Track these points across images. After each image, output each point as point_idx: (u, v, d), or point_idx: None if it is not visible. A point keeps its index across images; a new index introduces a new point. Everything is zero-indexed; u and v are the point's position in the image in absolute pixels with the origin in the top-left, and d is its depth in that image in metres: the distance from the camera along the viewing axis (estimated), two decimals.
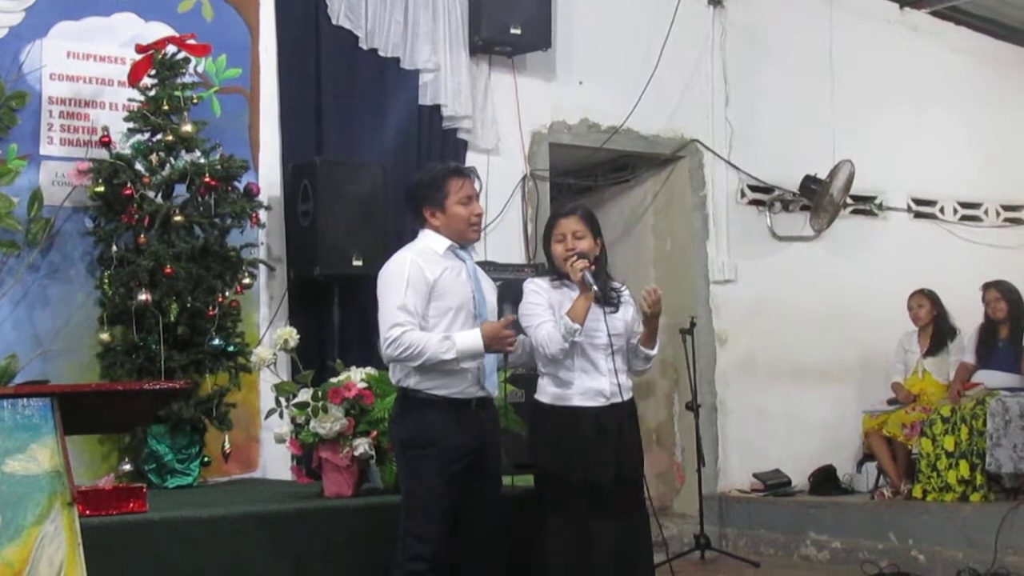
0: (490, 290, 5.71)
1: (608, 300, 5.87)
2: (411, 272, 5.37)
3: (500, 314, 5.71)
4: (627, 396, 5.91)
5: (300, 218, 8.35)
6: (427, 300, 5.39)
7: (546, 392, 5.88)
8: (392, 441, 5.75)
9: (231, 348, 7.65)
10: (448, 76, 9.29)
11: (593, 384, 5.81)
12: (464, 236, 5.59)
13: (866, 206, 11.40)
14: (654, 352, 6.02)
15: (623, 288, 6.07)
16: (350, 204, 8.28)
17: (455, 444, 5.36)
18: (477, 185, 5.66)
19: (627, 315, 5.96)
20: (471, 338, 5.35)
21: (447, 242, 5.54)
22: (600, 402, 5.80)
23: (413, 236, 5.70)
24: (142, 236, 7.47)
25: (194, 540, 5.54)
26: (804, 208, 10.97)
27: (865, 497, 9.80)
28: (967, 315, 9.89)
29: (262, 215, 8.02)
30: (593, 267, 5.77)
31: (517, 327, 5.63)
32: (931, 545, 8.67)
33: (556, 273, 5.95)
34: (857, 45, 11.28)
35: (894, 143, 11.35)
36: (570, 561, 5.72)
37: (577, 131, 10.12)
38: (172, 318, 7.40)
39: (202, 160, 7.65)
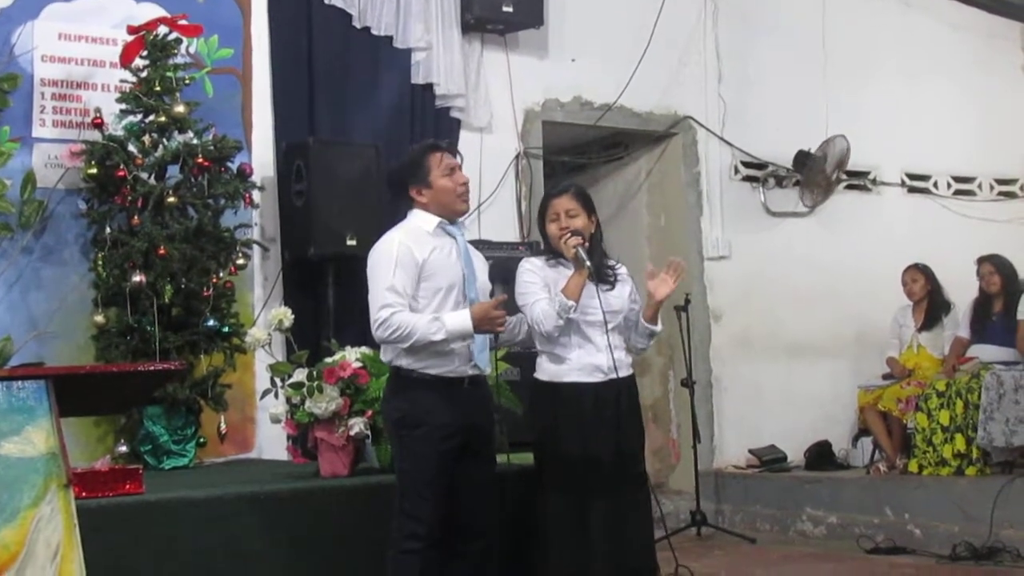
0: (481, 267, 5.69)
1: (603, 277, 5.87)
2: (399, 253, 5.36)
3: (492, 293, 5.70)
4: (625, 372, 5.91)
5: (294, 198, 8.34)
6: (417, 280, 5.38)
7: (544, 369, 5.89)
8: (384, 421, 5.76)
9: (226, 329, 7.65)
10: (441, 55, 9.28)
11: (590, 359, 5.81)
12: (453, 208, 5.57)
13: (860, 181, 11.41)
14: (659, 328, 6.03)
15: (619, 266, 6.06)
16: (343, 184, 8.27)
17: (447, 423, 5.35)
18: (457, 158, 5.66)
19: (623, 292, 5.96)
20: (460, 319, 5.33)
21: (436, 219, 5.51)
22: (598, 377, 5.80)
23: (405, 216, 5.69)
24: (135, 217, 7.46)
25: (190, 521, 5.55)
26: (797, 184, 10.98)
27: (861, 472, 9.83)
28: (961, 289, 9.90)
29: (255, 195, 8.00)
30: (587, 244, 5.77)
31: (509, 306, 5.62)
32: (927, 519, 8.71)
33: (552, 253, 5.95)
34: (850, 20, 11.28)
35: (887, 118, 11.35)
36: (568, 537, 5.73)
37: (570, 109, 10.11)
38: (166, 299, 7.41)
39: (195, 141, 7.64)
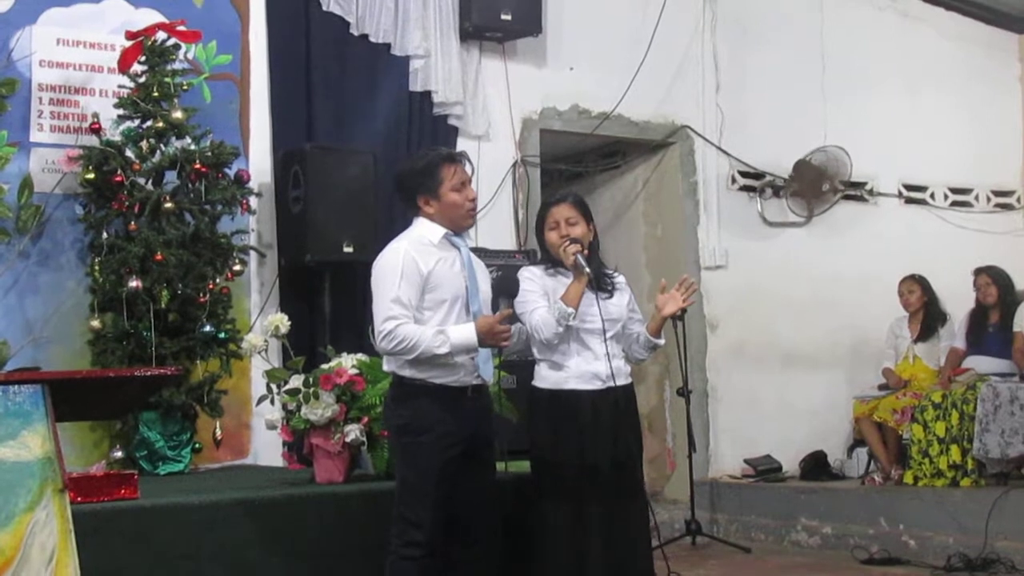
0: (484, 278, 5.68)
1: (601, 285, 5.88)
2: (405, 264, 5.35)
3: (495, 304, 5.69)
4: (624, 380, 5.92)
5: (291, 204, 8.34)
6: (421, 292, 5.37)
7: (542, 377, 5.90)
8: (387, 427, 5.76)
9: (222, 335, 7.65)
10: (439, 62, 9.28)
11: (589, 367, 5.82)
12: (459, 223, 5.57)
13: (857, 192, 11.40)
14: (661, 341, 6.06)
15: (616, 274, 6.08)
16: (341, 191, 8.27)
17: (450, 431, 5.35)
18: (469, 169, 5.64)
19: (622, 301, 5.98)
20: (465, 333, 5.33)
21: (442, 230, 5.50)
22: (596, 385, 5.81)
23: (404, 222, 5.68)
24: (132, 223, 7.46)
25: (185, 526, 5.55)
26: (794, 194, 10.98)
27: (856, 483, 9.82)
28: (958, 300, 9.91)
29: (252, 202, 8.01)
30: (586, 252, 5.78)
31: (513, 319, 5.63)
32: (922, 530, 8.70)
33: (550, 261, 5.96)
34: (848, 31, 11.29)
35: (885, 129, 11.35)
36: (566, 545, 5.74)
37: (568, 117, 10.12)
38: (163, 305, 7.40)
39: (192, 147, 7.64)
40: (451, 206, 5.51)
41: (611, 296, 5.93)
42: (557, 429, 5.81)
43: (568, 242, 5.80)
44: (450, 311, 5.42)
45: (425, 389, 5.38)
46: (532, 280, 5.89)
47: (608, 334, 5.82)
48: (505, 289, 5.91)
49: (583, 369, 5.82)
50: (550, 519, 5.78)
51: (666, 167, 10.83)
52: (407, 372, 5.41)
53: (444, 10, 9.32)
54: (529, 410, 6.00)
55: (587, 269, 5.71)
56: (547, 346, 5.82)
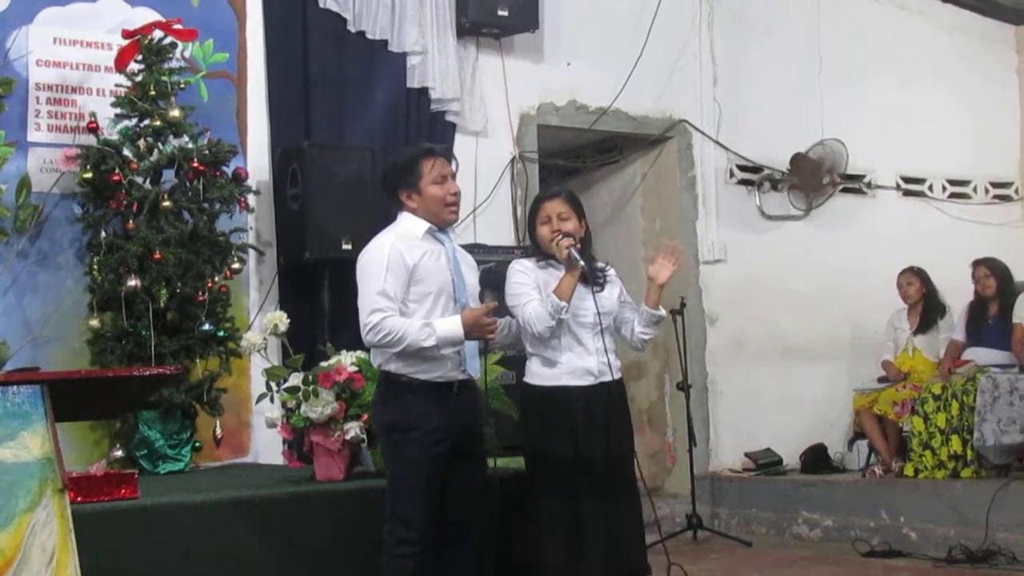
0: (471, 272, 5.68)
1: (593, 279, 5.89)
2: (391, 257, 5.35)
3: (481, 298, 5.69)
4: (615, 376, 5.93)
5: (289, 202, 8.34)
6: (407, 285, 5.37)
7: (534, 373, 5.92)
8: (375, 425, 5.76)
9: (221, 333, 7.64)
10: (436, 58, 9.27)
11: (581, 363, 5.84)
12: (441, 217, 5.56)
13: (855, 184, 11.40)
14: (662, 313, 6.07)
15: (608, 268, 6.10)
16: (339, 188, 8.27)
17: (437, 427, 5.35)
18: (453, 165, 5.64)
19: (612, 294, 6.02)
20: (451, 325, 5.33)
21: (425, 224, 5.51)
22: (588, 381, 5.84)
23: (396, 218, 5.68)
24: (131, 222, 7.45)
25: (186, 525, 5.56)
26: (793, 188, 10.98)
27: (856, 475, 9.82)
28: (957, 292, 9.91)
29: (251, 200, 8.00)
30: (579, 246, 5.80)
31: (500, 312, 5.63)
32: (922, 523, 8.71)
33: (541, 255, 5.97)
34: (845, 24, 11.29)
35: (883, 122, 11.35)
36: (561, 539, 5.76)
37: (565, 112, 10.12)
38: (162, 304, 7.40)
39: (190, 145, 7.63)
40: (432, 200, 5.51)
41: (602, 290, 5.95)
42: (550, 425, 5.83)
43: (560, 236, 5.81)
44: (435, 304, 5.42)
45: (411, 386, 5.39)
46: (524, 273, 5.91)
47: (601, 325, 5.82)
48: (491, 283, 5.91)
49: (575, 365, 5.85)
50: (544, 515, 5.81)
51: (664, 162, 10.83)
52: (393, 366, 5.42)
53: (441, 6, 9.31)
54: (522, 407, 6.02)
55: (581, 262, 5.73)
56: (539, 340, 5.83)
